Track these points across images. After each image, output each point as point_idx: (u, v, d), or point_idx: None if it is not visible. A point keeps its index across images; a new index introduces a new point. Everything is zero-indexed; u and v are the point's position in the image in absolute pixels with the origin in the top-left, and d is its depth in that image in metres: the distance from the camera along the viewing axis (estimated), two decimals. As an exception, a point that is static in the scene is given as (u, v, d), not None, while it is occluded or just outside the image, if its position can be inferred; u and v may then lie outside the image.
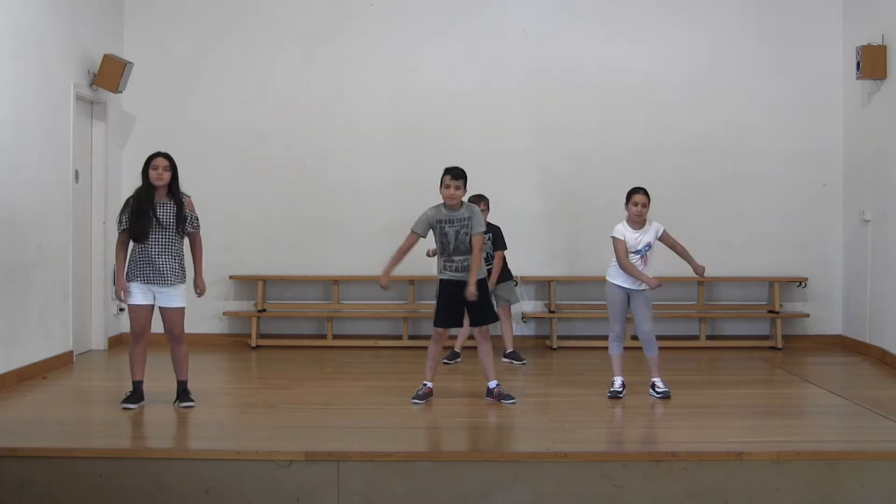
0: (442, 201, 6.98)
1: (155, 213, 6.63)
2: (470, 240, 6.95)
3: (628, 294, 7.19)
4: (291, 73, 10.04)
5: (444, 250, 6.99)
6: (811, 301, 10.02)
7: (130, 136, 9.92)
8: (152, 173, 6.65)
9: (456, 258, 6.94)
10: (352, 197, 10.02)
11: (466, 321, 7.16)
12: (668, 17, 10.03)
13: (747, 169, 10.01)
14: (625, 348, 7.33)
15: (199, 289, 6.92)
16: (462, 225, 6.94)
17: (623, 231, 7.16)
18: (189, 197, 6.83)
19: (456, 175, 6.93)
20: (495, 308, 8.71)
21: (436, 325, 7.10)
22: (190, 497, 5.51)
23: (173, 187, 6.73)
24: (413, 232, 7.00)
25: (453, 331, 8.15)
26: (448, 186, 6.92)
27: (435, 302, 7.09)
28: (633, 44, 10.01)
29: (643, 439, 6.47)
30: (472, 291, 6.84)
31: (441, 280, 7.03)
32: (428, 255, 7.88)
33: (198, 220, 6.87)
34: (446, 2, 10.08)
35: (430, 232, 7.05)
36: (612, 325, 7.27)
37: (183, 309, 6.79)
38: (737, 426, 6.43)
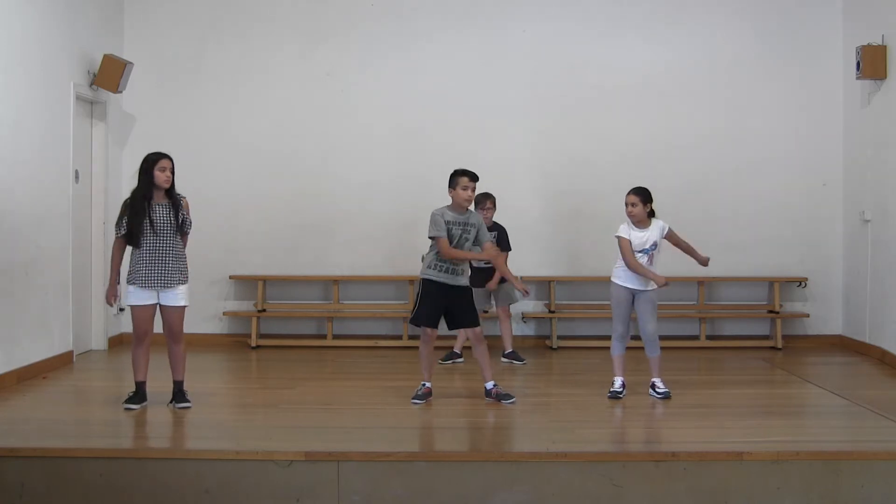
0: (449, 203, 6.94)
1: (151, 217, 6.59)
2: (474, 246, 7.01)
3: (634, 295, 7.17)
4: (291, 73, 10.04)
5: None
6: (811, 301, 10.02)
7: (130, 136, 9.92)
8: (160, 175, 6.60)
9: (449, 260, 6.92)
10: (352, 197, 10.01)
11: None
12: (669, 17, 10.02)
13: (747, 169, 10.00)
14: (626, 348, 7.30)
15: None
16: (466, 230, 6.92)
17: (627, 230, 7.12)
18: (185, 198, 6.82)
19: (474, 178, 6.92)
20: (495, 308, 8.79)
21: (411, 321, 7.13)
22: (189, 497, 5.51)
23: (171, 188, 6.72)
24: (440, 237, 6.84)
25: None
26: (466, 188, 6.87)
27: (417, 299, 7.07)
28: (634, 44, 10.01)
29: (643, 439, 6.46)
30: (523, 289, 7.09)
31: (425, 279, 6.95)
32: None
33: (191, 223, 6.82)
34: (446, 1, 10.07)
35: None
36: (616, 326, 7.25)
37: (184, 308, 6.79)
38: (737, 426, 6.43)
